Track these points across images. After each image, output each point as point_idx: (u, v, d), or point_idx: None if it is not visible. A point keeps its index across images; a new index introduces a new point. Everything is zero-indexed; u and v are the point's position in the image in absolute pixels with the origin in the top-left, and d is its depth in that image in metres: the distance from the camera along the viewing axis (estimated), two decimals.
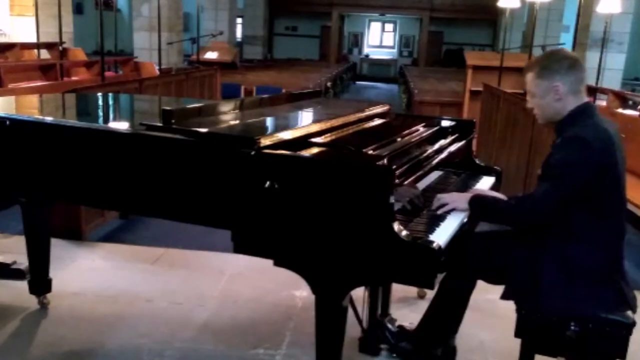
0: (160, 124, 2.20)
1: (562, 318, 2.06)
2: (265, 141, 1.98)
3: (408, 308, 3.15)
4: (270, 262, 1.98)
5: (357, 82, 22.27)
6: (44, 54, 10.09)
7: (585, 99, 2.18)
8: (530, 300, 2.10)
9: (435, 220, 2.12)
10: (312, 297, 1.96)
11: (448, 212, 2.20)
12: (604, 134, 2.07)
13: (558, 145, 2.11)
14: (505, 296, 2.18)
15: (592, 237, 2.07)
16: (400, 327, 2.69)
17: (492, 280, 2.30)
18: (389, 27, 26.56)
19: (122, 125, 2.70)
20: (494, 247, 2.28)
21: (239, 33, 22.31)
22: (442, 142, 2.67)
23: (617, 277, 2.10)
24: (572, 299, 2.05)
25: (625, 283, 2.11)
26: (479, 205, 2.22)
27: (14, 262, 3.34)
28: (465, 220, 2.20)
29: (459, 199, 2.24)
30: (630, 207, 3.80)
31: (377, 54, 26.44)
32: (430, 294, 2.40)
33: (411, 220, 2.10)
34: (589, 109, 2.16)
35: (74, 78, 8.67)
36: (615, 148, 2.07)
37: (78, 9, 19.71)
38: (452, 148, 2.69)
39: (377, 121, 2.79)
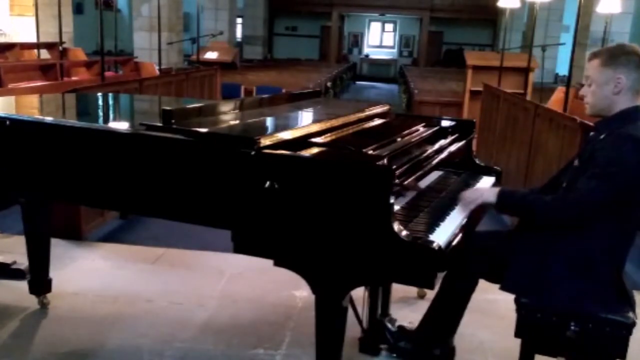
0: (160, 124, 2.20)
1: (562, 315, 2.06)
2: (265, 141, 1.98)
3: (408, 308, 3.15)
4: (270, 262, 1.98)
5: (357, 82, 22.25)
6: (44, 54, 10.09)
7: (639, 101, 2.14)
8: (532, 294, 2.10)
9: (436, 220, 2.12)
10: (312, 297, 1.96)
11: (448, 211, 2.20)
12: None
13: (608, 141, 2.05)
14: (505, 287, 2.16)
15: (606, 236, 2.06)
16: (400, 327, 2.68)
17: (493, 279, 2.30)
18: (389, 27, 26.54)
19: (122, 125, 2.70)
20: (494, 246, 2.28)
21: (239, 33, 22.32)
22: (442, 142, 2.67)
23: (621, 277, 2.11)
24: (576, 295, 2.05)
25: (626, 283, 2.12)
26: (508, 198, 2.20)
27: (14, 262, 3.34)
28: (465, 220, 2.20)
29: (486, 192, 2.23)
30: None
31: (377, 54, 26.43)
32: (430, 294, 2.40)
33: (411, 220, 2.10)
34: (639, 113, 2.12)
35: (74, 78, 8.66)
36: None
37: (78, 9, 19.73)
38: (452, 148, 2.69)
39: (377, 121, 2.79)
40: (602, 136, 2.11)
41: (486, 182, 2.79)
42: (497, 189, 2.26)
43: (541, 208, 2.12)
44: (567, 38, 14.93)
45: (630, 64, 2.08)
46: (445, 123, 2.96)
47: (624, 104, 2.11)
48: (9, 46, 9.60)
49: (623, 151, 1.99)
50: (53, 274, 3.10)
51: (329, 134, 2.29)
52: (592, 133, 2.24)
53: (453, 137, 2.79)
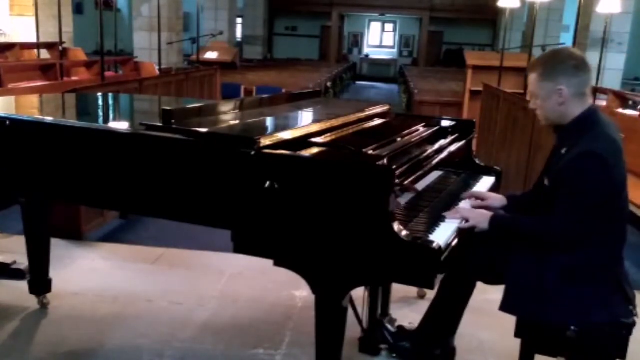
0: (160, 124, 2.20)
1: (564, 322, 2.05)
2: (265, 141, 1.98)
3: (408, 308, 3.15)
4: (270, 262, 1.98)
5: (357, 82, 22.26)
6: (44, 54, 10.09)
7: (590, 102, 2.14)
8: (532, 311, 2.08)
9: (436, 221, 2.12)
10: (312, 297, 1.95)
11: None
12: (615, 146, 2.02)
13: (570, 160, 2.03)
14: (504, 308, 2.13)
15: (595, 241, 2.04)
16: (400, 327, 2.68)
17: (492, 281, 2.30)
18: (389, 27, 26.55)
19: (122, 125, 2.70)
20: (493, 247, 2.27)
21: (239, 33, 22.30)
22: (442, 142, 2.67)
23: (620, 279, 2.10)
24: (577, 305, 2.03)
25: (626, 283, 2.12)
26: (501, 227, 2.17)
27: (14, 262, 3.34)
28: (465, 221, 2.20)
29: (481, 218, 2.17)
30: (631, 207, 3.80)
31: (377, 54, 26.43)
32: (430, 294, 2.40)
33: (411, 220, 2.10)
34: (594, 115, 2.10)
35: (74, 78, 8.66)
36: (621, 155, 2.04)
37: (78, 9, 19.73)
38: (452, 148, 2.69)
39: (377, 121, 2.79)
40: (563, 150, 2.10)
41: (486, 182, 2.79)
42: (489, 216, 2.19)
43: (532, 235, 2.10)
44: (567, 38, 14.96)
45: (568, 72, 2.06)
46: (445, 123, 2.96)
47: (575, 110, 2.09)
48: (9, 46, 9.59)
49: (586, 170, 1.97)
50: (53, 274, 3.10)
51: (329, 134, 2.29)
52: (554, 143, 2.22)
53: (453, 137, 2.79)
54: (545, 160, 2.32)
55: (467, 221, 2.16)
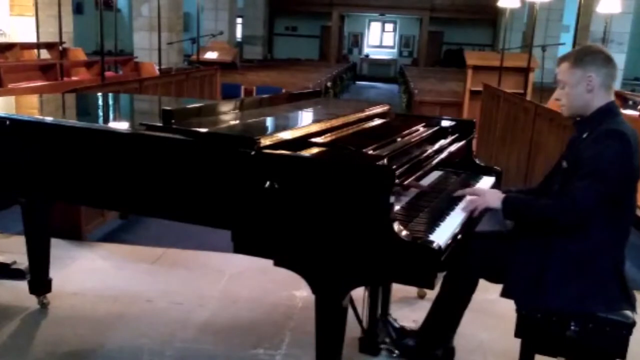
0: (160, 124, 2.20)
1: (563, 316, 2.06)
2: (265, 141, 1.98)
3: (408, 308, 3.15)
4: (270, 262, 1.98)
5: (357, 82, 22.25)
6: (44, 54, 10.10)
7: (613, 97, 2.19)
8: (532, 297, 2.10)
9: (436, 220, 2.12)
10: (312, 297, 1.95)
11: (448, 212, 2.20)
12: (635, 133, 2.07)
13: (591, 140, 2.08)
14: (505, 293, 2.17)
15: (603, 235, 2.07)
16: (401, 327, 2.68)
17: (493, 279, 2.30)
18: (389, 27, 26.55)
19: (122, 125, 2.70)
20: (494, 246, 2.28)
21: (239, 33, 22.31)
22: (442, 142, 2.66)
23: (620, 276, 2.11)
24: (577, 295, 2.05)
25: (627, 283, 2.12)
26: (513, 205, 2.20)
27: (14, 262, 3.34)
28: (465, 220, 2.20)
29: (491, 198, 2.22)
30: None
31: (377, 54, 26.44)
32: (430, 294, 2.40)
33: (411, 220, 2.10)
34: (616, 108, 2.17)
35: (74, 78, 8.67)
36: (638, 149, 2.07)
37: (78, 9, 19.73)
38: (452, 148, 2.69)
39: (377, 121, 2.79)
40: (584, 136, 2.15)
41: (486, 182, 2.79)
42: (501, 195, 2.24)
43: (544, 215, 2.12)
44: (567, 38, 14.93)
45: (598, 61, 2.13)
46: (445, 123, 2.95)
47: (599, 101, 2.15)
48: (9, 46, 9.60)
49: (607, 147, 2.02)
50: (53, 274, 3.10)
51: (329, 134, 2.29)
52: (573, 134, 2.26)
53: (453, 137, 2.79)
54: (556, 159, 2.33)
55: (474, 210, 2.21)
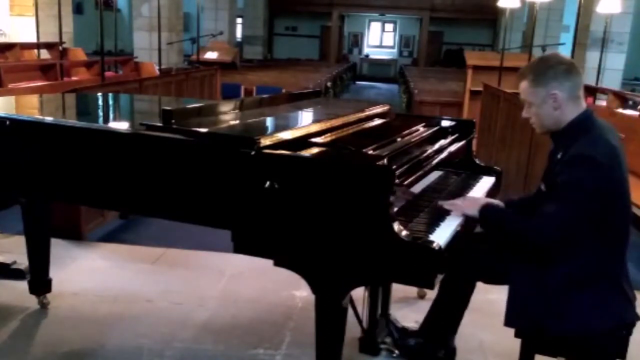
0: (160, 124, 2.20)
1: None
2: (265, 141, 1.98)
3: (408, 308, 3.15)
4: (270, 262, 1.98)
5: (357, 82, 22.25)
6: (44, 54, 10.09)
7: (584, 105, 2.11)
8: (536, 322, 2.05)
9: (436, 220, 2.12)
10: (312, 297, 1.95)
11: (448, 212, 2.20)
12: (609, 148, 1.98)
13: (564, 163, 2.00)
14: (508, 323, 2.10)
15: (595, 253, 2.01)
16: (404, 328, 2.68)
17: (491, 281, 2.29)
18: (389, 27, 26.55)
19: (122, 125, 2.70)
20: (493, 248, 2.27)
21: (239, 33, 22.31)
22: (442, 142, 2.66)
23: (620, 280, 2.07)
24: (578, 311, 2.00)
25: (627, 284, 2.09)
26: (489, 218, 2.15)
27: (14, 262, 3.35)
28: (465, 221, 2.20)
29: (469, 205, 2.17)
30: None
31: (377, 54, 26.43)
32: (430, 294, 2.40)
33: (411, 220, 2.10)
34: (590, 119, 2.07)
35: (74, 78, 8.67)
36: (620, 160, 2.00)
37: (78, 9, 19.73)
38: (452, 148, 2.69)
39: (377, 121, 2.79)
40: (559, 155, 2.07)
41: (486, 182, 2.79)
42: (482, 203, 2.19)
43: (514, 233, 2.08)
44: (567, 38, 14.93)
45: (559, 76, 2.02)
46: (445, 123, 2.95)
47: (570, 114, 2.06)
48: (9, 46, 9.59)
49: (578, 172, 1.94)
50: (53, 274, 3.10)
51: (328, 134, 2.29)
52: (551, 147, 2.19)
53: (453, 137, 2.79)
54: (545, 165, 2.30)
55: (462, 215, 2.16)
